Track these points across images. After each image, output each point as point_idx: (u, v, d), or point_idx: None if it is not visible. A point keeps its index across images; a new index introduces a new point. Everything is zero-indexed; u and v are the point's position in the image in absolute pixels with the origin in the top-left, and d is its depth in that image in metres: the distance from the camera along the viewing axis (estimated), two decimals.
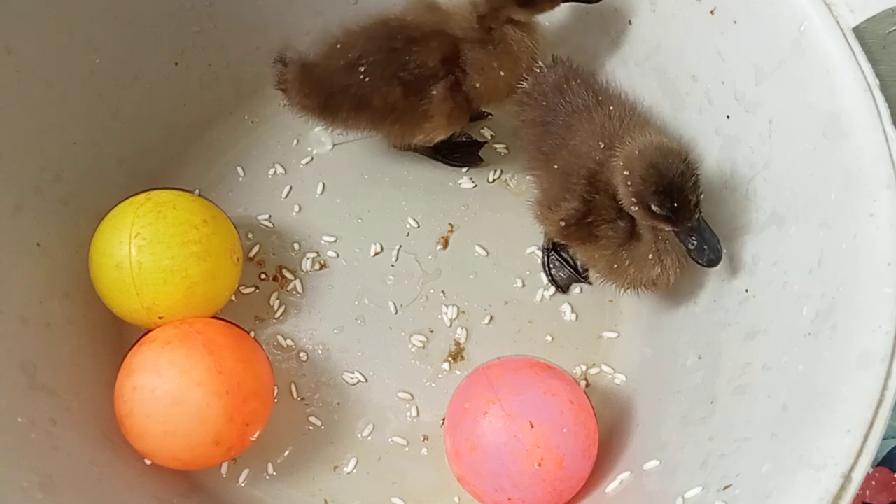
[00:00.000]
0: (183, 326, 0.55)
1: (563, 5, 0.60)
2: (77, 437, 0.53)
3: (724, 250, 0.52)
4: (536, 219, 0.59)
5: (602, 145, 0.55)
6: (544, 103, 0.59)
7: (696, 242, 0.51)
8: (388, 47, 0.59)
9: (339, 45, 0.60)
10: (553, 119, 0.58)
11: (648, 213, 0.51)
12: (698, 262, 0.51)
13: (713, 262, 0.51)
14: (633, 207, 0.52)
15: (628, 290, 0.58)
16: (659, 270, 0.55)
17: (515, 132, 0.64)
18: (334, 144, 0.70)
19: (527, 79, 0.60)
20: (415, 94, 0.60)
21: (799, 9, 0.49)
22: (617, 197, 0.53)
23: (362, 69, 0.59)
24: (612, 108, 0.57)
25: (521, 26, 0.59)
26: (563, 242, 0.62)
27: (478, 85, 0.61)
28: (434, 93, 0.60)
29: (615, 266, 0.56)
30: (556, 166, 0.57)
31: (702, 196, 0.50)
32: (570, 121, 0.57)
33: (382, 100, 0.60)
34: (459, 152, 0.70)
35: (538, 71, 0.60)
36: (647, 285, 0.56)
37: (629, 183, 0.51)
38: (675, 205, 0.49)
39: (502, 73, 0.60)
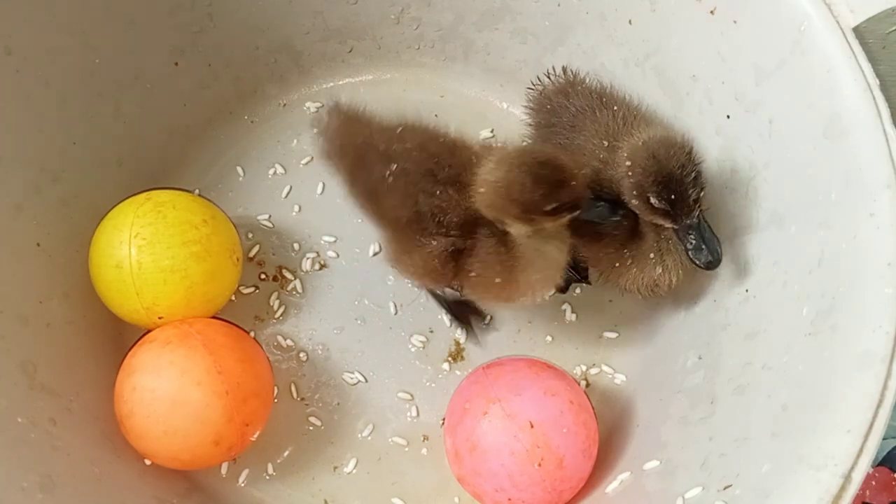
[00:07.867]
0: (183, 326, 0.55)
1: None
2: (77, 437, 0.53)
3: (723, 254, 0.51)
4: None
5: (606, 144, 0.55)
6: (549, 107, 0.59)
7: (694, 242, 0.50)
8: (427, 169, 0.52)
9: (399, 130, 0.54)
10: (558, 121, 0.58)
11: (647, 207, 0.50)
12: (696, 264, 0.51)
13: (711, 265, 0.50)
14: (633, 201, 0.51)
15: (631, 292, 0.57)
16: (660, 270, 0.54)
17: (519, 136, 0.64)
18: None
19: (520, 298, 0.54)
20: (417, 223, 0.52)
21: (799, 9, 0.49)
22: (621, 195, 0.53)
23: (393, 168, 0.52)
24: (615, 108, 0.57)
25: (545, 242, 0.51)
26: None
27: (473, 273, 0.53)
28: (434, 242, 0.52)
29: (617, 265, 0.56)
30: None
31: (703, 194, 0.50)
32: (575, 122, 0.57)
33: (391, 210, 0.53)
34: (460, 311, 0.64)
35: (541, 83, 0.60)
36: (650, 286, 0.56)
37: (630, 174, 0.50)
38: (673, 197, 0.49)
39: (498, 280, 0.52)
